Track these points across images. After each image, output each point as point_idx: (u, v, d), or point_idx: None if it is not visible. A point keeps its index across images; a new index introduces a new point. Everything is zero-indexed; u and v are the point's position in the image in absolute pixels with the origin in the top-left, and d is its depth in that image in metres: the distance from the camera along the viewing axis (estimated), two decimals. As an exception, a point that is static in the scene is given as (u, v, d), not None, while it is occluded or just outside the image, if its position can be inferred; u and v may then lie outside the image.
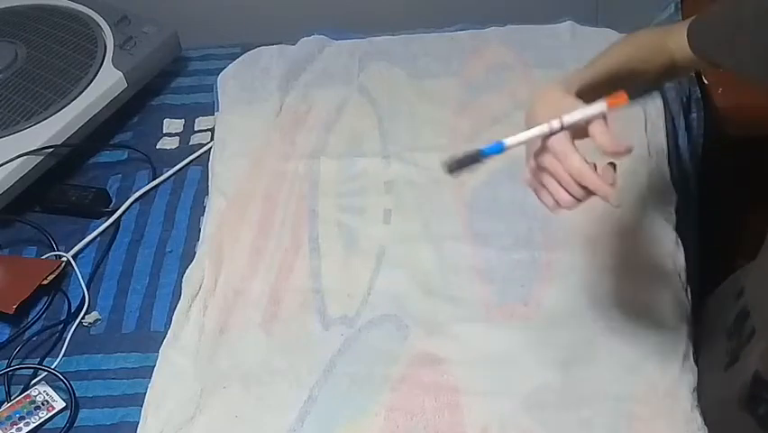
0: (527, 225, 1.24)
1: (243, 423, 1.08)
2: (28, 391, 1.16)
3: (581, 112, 0.82)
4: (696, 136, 1.43)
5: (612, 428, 1.02)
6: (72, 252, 1.33)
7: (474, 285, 1.18)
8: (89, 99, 1.46)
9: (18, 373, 1.19)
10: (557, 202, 0.84)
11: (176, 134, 1.52)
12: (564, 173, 0.82)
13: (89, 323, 1.24)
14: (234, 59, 1.59)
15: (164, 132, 1.52)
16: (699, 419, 1.02)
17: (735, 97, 1.39)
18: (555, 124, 0.83)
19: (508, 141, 0.86)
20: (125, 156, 1.49)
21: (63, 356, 1.20)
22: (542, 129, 0.84)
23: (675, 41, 0.96)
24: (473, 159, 0.87)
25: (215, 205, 1.34)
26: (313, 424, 1.06)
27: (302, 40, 1.60)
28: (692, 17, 0.95)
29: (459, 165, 0.87)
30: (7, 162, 1.36)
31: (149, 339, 1.20)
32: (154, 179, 1.43)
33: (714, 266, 1.26)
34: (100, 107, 1.48)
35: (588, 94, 0.89)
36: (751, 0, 0.85)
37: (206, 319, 1.19)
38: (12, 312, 1.24)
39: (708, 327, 1.09)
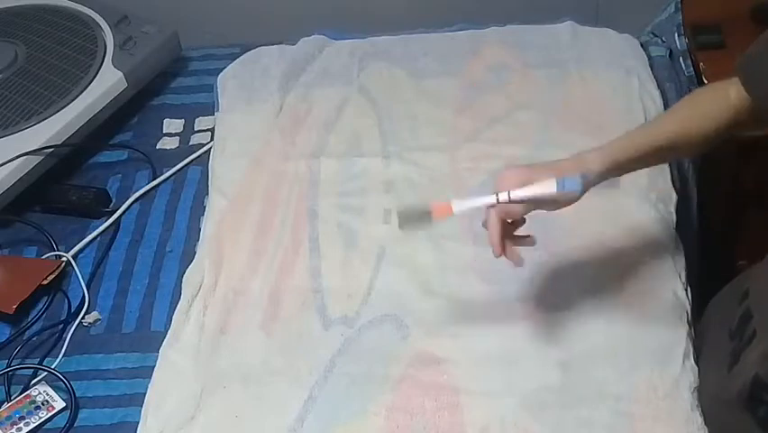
0: (527, 225, 1.23)
1: (243, 423, 1.08)
2: (28, 391, 1.16)
3: (528, 190, 0.91)
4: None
5: (612, 428, 1.02)
6: (72, 252, 1.33)
7: (474, 285, 1.18)
8: (89, 99, 1.46)
9: (18, 373, 1.19)
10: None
11: (176, 134, 1.52)
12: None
13: (89, 323, 1.24)
14: (234, 59, 1.59)
15: (164, 132, 1.52)
16: (699, 419, 1.02)
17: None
18: (501, 197, 0.93)
19: (455, 207, 0.96)
20: (125, 156, 1.49)
21: (63, 356, 1.20)
22: (489, 200, 0.94)
23: (737, 88, 0.93)
24: (424, 219, 0.96)
25: (215, 205, 1.34)
26: (313, 424, 1.06)
27: (302, 40, 1.60)
28: (742, 55, 0.92)
29: (409, 222, 0.96)
30: (7, 162, 1.36)
31: (149, 339, 1.20)
32: (154, 179, 1.43)
33: (714, 266, 1.26)
34: (100, 107, 1.48)
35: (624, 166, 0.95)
36: None
37: (206, 319, 1.19)
38: (12, 312, 1.24)
39: (711, 328, 1.09)
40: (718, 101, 0.96)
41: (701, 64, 1.45)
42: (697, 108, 0.98)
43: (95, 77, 1.50)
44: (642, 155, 0.96)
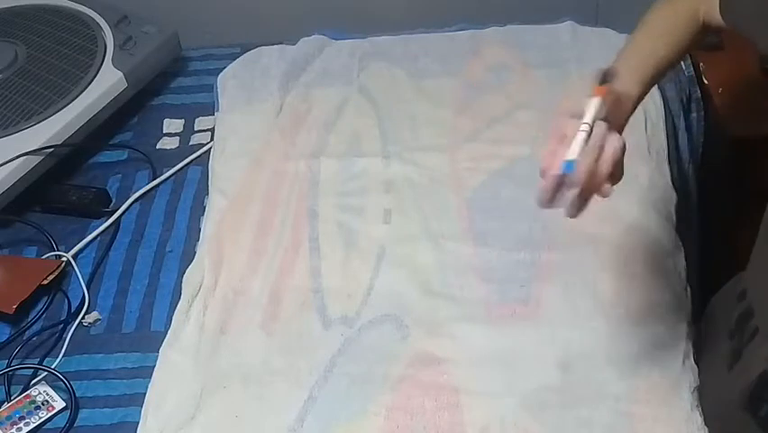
0: (527, 225, 1.24)
1: (243, 423, 1.08)
2: (28, 391, 1.16)
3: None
4: (696, 136, 1.43)
5: (612, 428, 1.02)
6: (72, 252, 1.33)
7: (474, 285, 1.18)
8: (89, 99, 1.46)
9: (18, 373, 1.19)
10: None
11: (176, 134, 1.52)
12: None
13: (89, 323, 1.24)
14: (234, 59, 1.59)
15: (164, 132, 1.52)
16: (699, 419, 1.02)
17: (735, 97, 1.39)
18: (584, 127, 0.83)
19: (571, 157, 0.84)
20: (125, 156, 1.49)
21: (63, 356, 1.20)
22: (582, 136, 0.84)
23: (706, 10, 0.96)
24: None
25: (215, 205, 1.34)
26: (313, 424, 1.06)
27: (302, 40, 1.60)
28: None
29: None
30: (7, 162, 1.36)
31: (149, 339, 1.20)
32: (154, 179, 1.43)
33: (714, 266, 1.26)
34: (100, 107, 1.48)
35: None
36: None
37: (206, 319, 1.19)
38: (12, 312, 1.24)
39: (710, 328, 1.09)
40: (690, 21, 0.98)
41: (701, 64, 1.45)
42: (675, 31, 0.99)
43: (95, 77, 1.50)
44: (656, 76, 0.96)
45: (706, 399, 1.03)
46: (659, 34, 1.00)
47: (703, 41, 1.03)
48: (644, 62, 0.96)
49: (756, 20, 0.89)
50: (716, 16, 0.95)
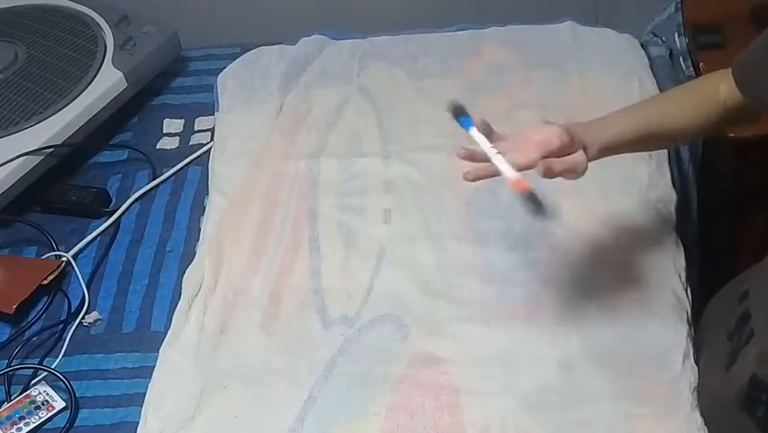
0: (527, 225, 1.23)
1: (243, 423, 1.08)
2: (28, 391, 1.16)
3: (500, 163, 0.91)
4: (696, 136, 1.42)
5: (612, 428, 1.02)
6: (72, 252, 1.33)
7: (474, 285, 1.18)
8: (89, 99, 1.46)
9: (18, 373, 1.19)
10: None
11: (176, 134, 1.52)
12: None
13: (89, 323, 1.24)
14: (234, 59, 1.59)
15: (164, 132, 1.52)
16: (699, 419, 1.02)
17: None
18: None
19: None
20: (125, 156, 1.49)
21: (63, 356, 1.20)
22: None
23: (727, 85, 0.94)
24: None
25: (215, 205, 1.34)
26: (313, 424, 1.06)
27: (302, 40, 1.60)
28: (738, 56, 0.93)
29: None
30: (7, 162, 1.36)
31: (149, 339, 1.20)
32: (154, 179, 1.43)
33: (714, 266, 1.26)
34: (100, 107, 1.48)
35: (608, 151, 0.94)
36: None
37: (206, 319, 1.19)
38: (12, 312, 1.24)
39: (710, 328, 1.09)
40: (707, 96, 0.97)
41: (701, 64, 1.45)
42: (686, 102, 0.98)
43: (95, 77, 1.50)
44: (628, 145, 0.96)
45: (706, 399, 1.03)
46: (668, 103, 0.99)
47: (722, 125, 1.00)
48: (625, 127, 0.96)
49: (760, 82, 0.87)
50: (735, 92, 0.93)
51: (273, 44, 1.60)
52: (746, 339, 0.94)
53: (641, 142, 0.98)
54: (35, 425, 1.12)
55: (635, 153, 1.28)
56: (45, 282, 1.28)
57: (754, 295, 0.95)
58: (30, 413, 1.13)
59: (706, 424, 1.01)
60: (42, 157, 1.40)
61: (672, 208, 1.25)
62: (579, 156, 0.91)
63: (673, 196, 1.26)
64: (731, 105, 0.95)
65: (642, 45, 1.51)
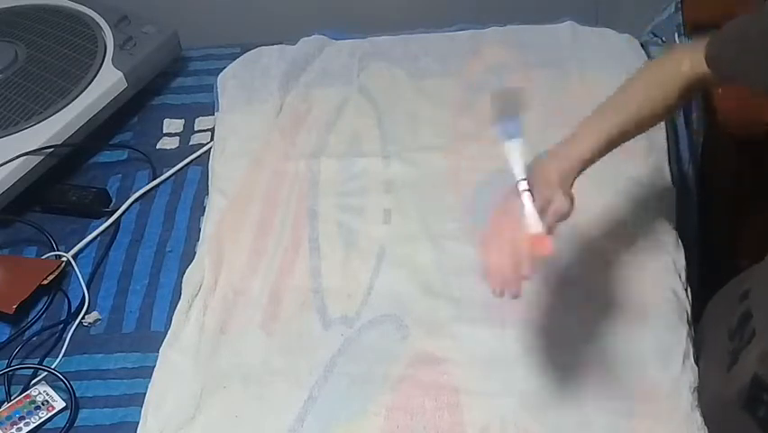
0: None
1: (243, 423, 1.08)
2: (28, 391, 1.16)
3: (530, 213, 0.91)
4: (696, 136, 1.42)
5: (612, 428, 1.02)
6: (72, 252, 1.33)
7: (474, 285, 1.18)
8: (89, 99, 1.46)
9: (18, 373, 1.19)
10: None
11: (176, 134, 1.52)
12: None
13: (89, 323, 1.24)
14: (234, 59, 1.59)
15: (164, 132, 1.52)
16: (699, 419, 1.02)
17: (735, 97, 1.39)
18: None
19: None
20: (125, 156, 1.49)
21: (63, 356, 1.20)
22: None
23: (691, 60, 0.96)
24: None
25: (215, 205, 1.34)
26: (313, 424, 1.06)
27: (302, 40, 1.60)
28: (711, 35, 0.96)
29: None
30: (7, 162, 1.36)
31: (149, 339, 1.20)
32: (154, 179, 1.43)
33: (714, 266, 1.26)
34: (100, 107, 1.48)
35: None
36: (758, 20, 0.87)
37: (206, 319, 1.19)
38: (12, 312, 1.24)
39: (711, 328, 1.09)
40: (673, 76, 0.98)
41: (701, 64, 1.45)
42: (652, 87, 1.00)
43: (95, 77, 1.50)
44: (608, 147, 0.97)
45: (706, 399, 1.03)
46: (636, 92, 1.00)
47: (691, 98, 1.04)
48: (606, 126, 0.97)
49: (742, 63, 0.90)
50: (700, 68, 0.95)
51: (273, 44, 1.61)
52: (748, 339, 0.94)
53: (618, 143, 0.99)
54: (35, 425, 1.13)
55: (634, 153, 1.29)
56: (45, 282, 1.28)
57: (754, 295, 0.95)
58: (30, 413, 1.13)
59: (706, 424, 1.01)
60: (42, 157, 1.40)
61: (673, 208, 1.25)
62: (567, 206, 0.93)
63: (673, 196, 1.26)
64: (693, 80, 0.98)
65: (642, 45, 1.51)
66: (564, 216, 0.93)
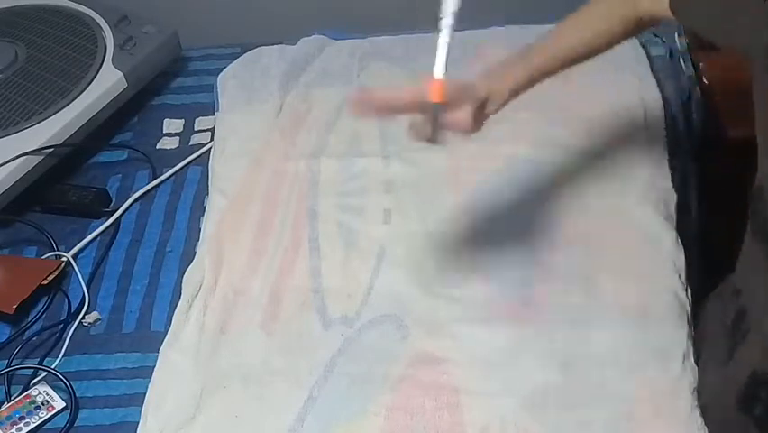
0: (527, 224, 1.23)
1: (243, 423, 1.08)
2: (28, 391, 1.16)
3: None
4: (696, 136, 1.43)
5: (612, 428, 1.02)
6: (72, 252, 1.33)
7: (474, 285, 1.18)
8: (89, 99, 1.46)
9: (18, 373, 1.19)
10: None
11: (176, 134, 1.52)
12: None
13: (89, 323, 1.24)
14: (234, 59, 1.59)
15: (164, 132, 1.52)
16: (699, 419, 1.02)
17: (735, 97, 1.39)
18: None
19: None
20: (125, 156, 1.49)
21: (63, 356, 1.20)
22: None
23: (647, 7, 0.97)
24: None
25: (215, 205, 1.34)
26: (313, 424, 1.06)
27: (302, 40, 1.60)
28: None
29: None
30: (7, 162, 1.36)
31: (149, 339, 1.20)
32: (154, 179, 1.43)
33: (714, 266, 1.26)
34: (100, 107, 1.48)
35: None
36: None
37: (206, 319, 1.19)
38: (12, 312, 1.24)
39: (708, 327, 1.09)
40: (624, 13, 1.00)
41: (701, 64, 1.45)
42: (597, 24, 1.03)
43: (95, 77, 1.50)
44: (542, 75, 1.00)
45: (705, 399, 1.03)
46: (583, 26, 1.03)
47: (637, 33, 1.04)
48: (538, 64, 1.00)
49: (709, 19, 0.91)
50: (660, 11, 0.96)
51: (273, 44, 1.60)
52: (743, 335, 0.94)
53: (552, 73, 1.02)
54: (35, 425, 1.12)
55: (634, 153, 1.29)
56: (45, 282, 1.28)
57: (746, 292, 0.95)
58: (30, 413, 1.13)
59: (706, 424, 1.01)
60: (42, 157, 1.40)
61: (673, 208, 1.25)
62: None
63: (674, 195, 1.26)
64: (647, 19, 0.98)
65: (642, 45, 1.50)
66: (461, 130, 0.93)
